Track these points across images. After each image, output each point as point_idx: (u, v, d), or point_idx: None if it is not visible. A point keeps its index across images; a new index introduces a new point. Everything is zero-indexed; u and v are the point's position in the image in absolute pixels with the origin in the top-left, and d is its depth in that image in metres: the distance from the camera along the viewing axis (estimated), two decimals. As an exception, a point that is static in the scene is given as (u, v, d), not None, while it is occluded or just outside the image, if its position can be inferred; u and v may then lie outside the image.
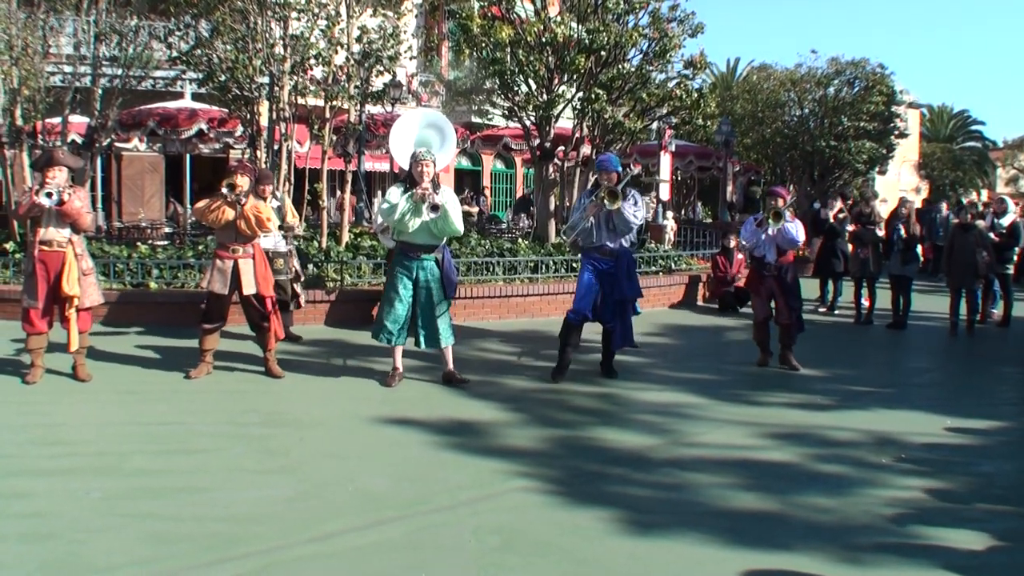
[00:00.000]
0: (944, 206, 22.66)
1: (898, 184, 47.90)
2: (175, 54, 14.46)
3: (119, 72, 15.09)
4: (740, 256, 15.25)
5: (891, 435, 7.32)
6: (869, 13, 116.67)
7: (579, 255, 9.48)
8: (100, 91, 14.90)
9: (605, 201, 8.60)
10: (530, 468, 6.24)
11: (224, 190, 8.37)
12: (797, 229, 9.60)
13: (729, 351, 11.16)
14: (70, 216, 8.07)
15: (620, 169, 9.04)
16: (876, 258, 13.60)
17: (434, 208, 8.06)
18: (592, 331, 9.39)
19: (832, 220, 14.97)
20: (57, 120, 15.39)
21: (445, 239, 8.71)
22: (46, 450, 6.41)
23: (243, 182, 8.48)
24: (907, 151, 46.46)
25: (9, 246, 13.14)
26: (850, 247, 14.20)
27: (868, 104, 26.73)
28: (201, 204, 8.69)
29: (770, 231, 9.56)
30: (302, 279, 10.74)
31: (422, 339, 8.60)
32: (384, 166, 25.41)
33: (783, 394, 8.76)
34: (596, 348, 9.72)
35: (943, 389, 9.60)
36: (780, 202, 9.71)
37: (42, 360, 8.41)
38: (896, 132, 29.12)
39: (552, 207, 17.27)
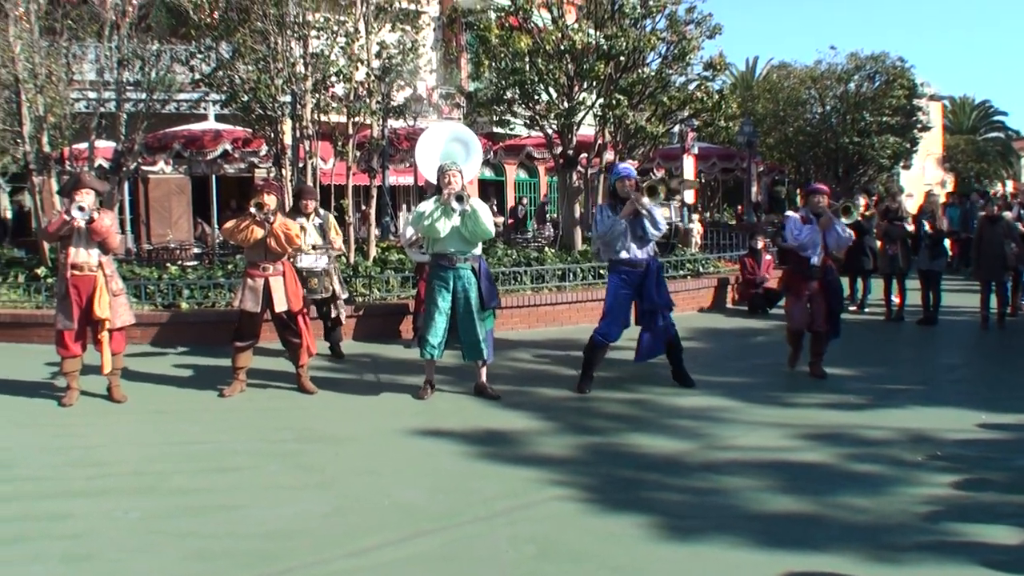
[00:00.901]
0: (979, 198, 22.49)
1: (923, 178, 47.61)
2: (198, 77, 14.60)
3: (143, 96, 15.24)
4: (768, 257, 15.21)
5: (925, 432, 7.28)
6: (886, 6, 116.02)
7: (605, 262, 9.39)
8: (125, 116, 15.06)
9: (644, 198, 8.58)
10: (564, 476, 6.25)
11: (252, 209, 8.44)
12: (847, 228, 9.37)
13: (760, 353, 11.11)
14: (99, 235, 8.15)
15: (637, 178, 9.02)
16: (905, 254, 13.53)
17: (459, 199, 8.08)
18: (628, 336, 9.37)
19: (860, 217, 14.89)
20: (84, 145, 15.55)
21: (480, 248, 8.72)
22: (84, 471, 6.47)
23: (270, 201, 8.54)
24: (930, 144, 46.22)
25: (41, 271, 13.30)
26: (878, 244, 14.13)
27: (890, 98, 26.67)
28: (230, 224, 8.77)
29: (838, 227, 9.17)
30: (340, 298, 10.70)
31: (464, 351, 8.64)
32: (408, 180, 25.51)
33: (816, 395, 8.72)
34: (627, 358, 9.74)
35: (976, 384, 9.52)
36: (826, 199, 9.49)
37: (77, 382, 8.49)
38: (919, 125, 29.01)
39: (577, 214, 17.28)
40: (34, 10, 14.14)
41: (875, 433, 7.31)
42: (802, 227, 9.32)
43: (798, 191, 29.94)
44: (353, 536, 5.18)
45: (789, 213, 9.78)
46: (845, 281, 15.06)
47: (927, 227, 13.07)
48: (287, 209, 11.00)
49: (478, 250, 8.65)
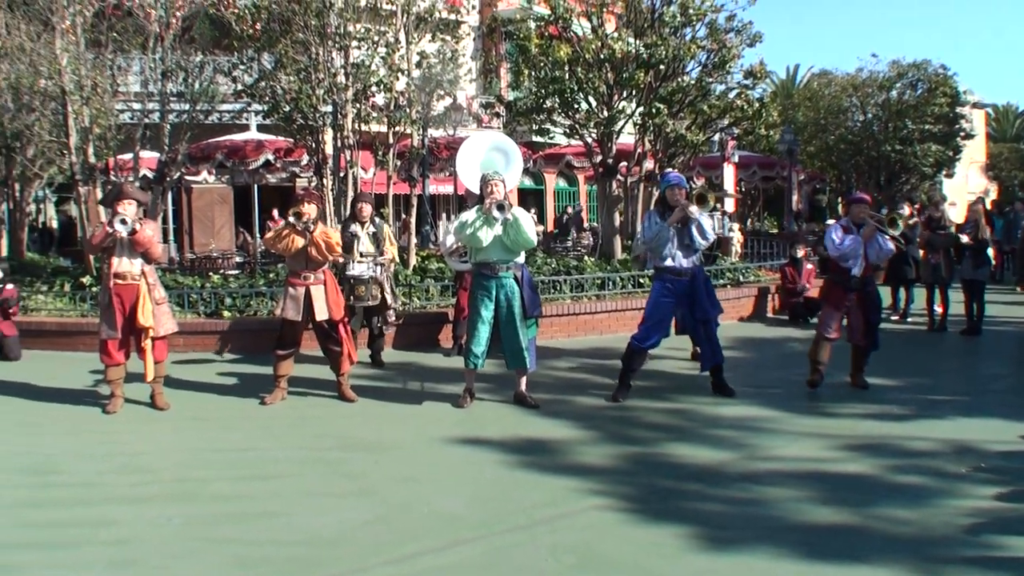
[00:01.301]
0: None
1: (966, 187, 47.13)
2: (240, 87, 14.74)
3: (186, 107, 15.41)
4: (809, 266, 15.10)
5: (969, 444, 7.20)
6: (928, 13, 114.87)
7: (643, 270, 9.32)
8: (169, 126, 15.23)
9: (693, 206, 8.56)
10: (604, 486, 6.24)
11: (291, 219, 8.52)
12: (889, 239, 9.12)
13: (801, 362, 10.94)
14: (142, 245, 8.28)
15: (687, 186, 8.99)
16: (948, 263, 13.39)
17: (500, 207, 8.09)
18: (668, 345, 9.35)
19: (903, 226, 14.72)
20: (128, 156, 15.75)
21: (523, 256, 8.72)
22: (128, 478, 6.55)
23: (310, 210, 8.60)
24: (973, 152, 45.74)
25: (86, 280, 13.48)
26: (921, 253, 13.99)
27: (932, 106, 26.47)
28: (271, 234, 8.88)
29: (881, 238, 8.98)
30: (391, 307, 10.75)
31: (507, 360, 8.65)
32: (448, 188, 25.63)
33: (858, 405, 8.64)
34: (666, 368, 9.71)
35: (1021, 395, 9.36)
36: (868, 209, 9.25)
37: (121, 390, 8.61)
38: (962, 133, 28.73)
39: (617, 223, 17.25)
40: (80, 23, 14.36)
41: (918, 444, 7.24)
42: (844, 237, 9.10)
43: (839, 200, 29.77)
44: (393, 544, 5.20)
45: (831, 222, 9.55)
46: (887, 291, 14.98)
47: (965, 237, 12.93)
48: (344, 217, 11.04)
49: (521, 258, 8.65)
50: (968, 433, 7.52)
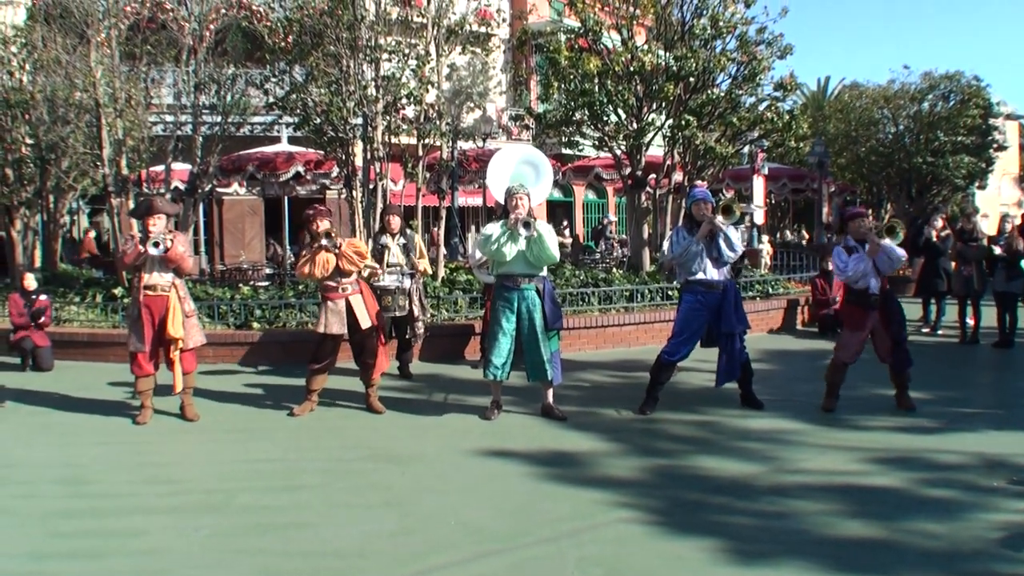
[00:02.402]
0: None
1: (998, 198, 46.75)
2: (271, 100, 14.84)
3: (218, 120, 15.52)
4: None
5: (1001, 457, 7.12)
6: (961, 25, 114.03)
7: (673, 281, 9.27)
8: (201, 139, 15.34)
9: (719, 217, 8.53)
10: (631, 498, 6.22)
11: (324, 242, 8.57)
12: (895, 247, 8.67)
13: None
14: (173, 261, 8.39)
15: (714, 202, 8.95)
16: (980, 276, 13.27)
17: (526, 225, 8.11)
18: (696, 357, 9.33)
19: (936, 238, 14.61)
20: (161, 168, 15.88)
21: (545, 270, 8.72)
22: (157, 488, 6.60)
23: (324, 225, 8.69)
24: (1007, 164, 45.38)
25: (118, 291, 13.59)
26: (953, 265, 13.88)
27: (964, 118, 26.30)
28: (304, 265, 8.76)
29: (887, 249, 8.50)
30: (419, 319, 10.80)
31: (528, 372, 8.63)
32: (477, 201, 25.64)
33: (888, 418, 8.57)
34: (695, 380, 9.66)
35: (1055, 409, 9.29)
36: (867, 221, 8.94)
37: (151, 401, 8.69)
38: (995, 145, 28.55)
39: (646, 235, 17.22)
40: (115, 36, 14.53)
41: (949, 457, 7.17)
42: (847, 259, 8.73)
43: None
44: (420, 555, 5.21)
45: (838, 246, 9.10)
46: (919, 304, 14.87)
47: (997, 249, 12.82)
48: (373, 230, 11.07)
49: (544, 272, 8.66)
50: (1000, 446, 7.45)
